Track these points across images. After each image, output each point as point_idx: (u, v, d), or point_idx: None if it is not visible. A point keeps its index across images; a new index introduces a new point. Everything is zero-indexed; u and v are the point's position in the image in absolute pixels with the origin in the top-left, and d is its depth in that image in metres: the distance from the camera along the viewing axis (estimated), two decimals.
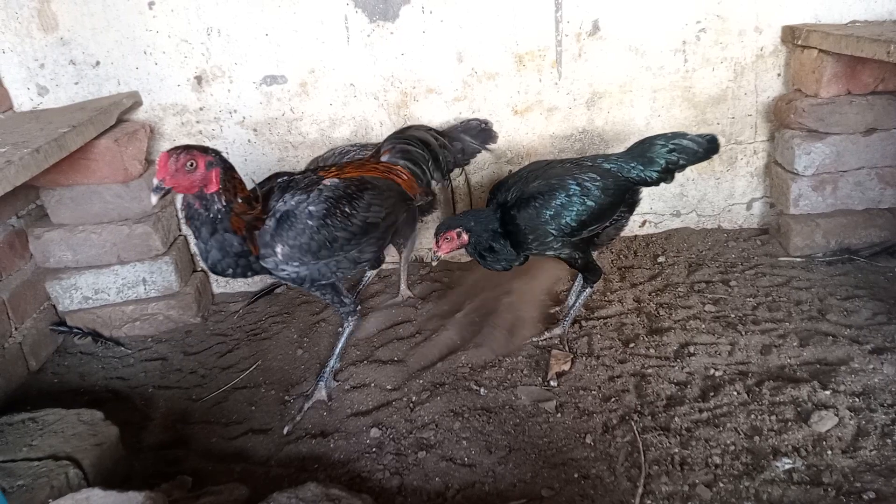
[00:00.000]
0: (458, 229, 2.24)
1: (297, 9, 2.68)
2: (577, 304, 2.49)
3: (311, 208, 2.00)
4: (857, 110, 2.71)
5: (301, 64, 2.77)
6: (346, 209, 2.07)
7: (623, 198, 2.33)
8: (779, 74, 2.93)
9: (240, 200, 1.92)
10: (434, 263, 2.49)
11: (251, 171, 2.92)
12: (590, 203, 2.24)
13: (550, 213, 2.21)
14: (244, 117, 2.84)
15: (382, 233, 2.24)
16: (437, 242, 2.25)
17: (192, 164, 1.82)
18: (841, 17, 2.80)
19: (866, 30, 2.53)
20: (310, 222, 1.99)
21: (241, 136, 2.87)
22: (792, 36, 2.78)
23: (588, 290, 2.46)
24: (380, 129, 2.90)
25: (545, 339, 2.47)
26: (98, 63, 2.69)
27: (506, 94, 2.89)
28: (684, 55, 2.87)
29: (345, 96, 2.84)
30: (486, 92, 2.88)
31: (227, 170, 1.90)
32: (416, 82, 2.84)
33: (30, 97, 2.70)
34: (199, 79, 2.75)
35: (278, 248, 1.98)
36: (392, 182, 2.29)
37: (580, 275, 2.66)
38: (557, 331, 2.48)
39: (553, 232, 2.23)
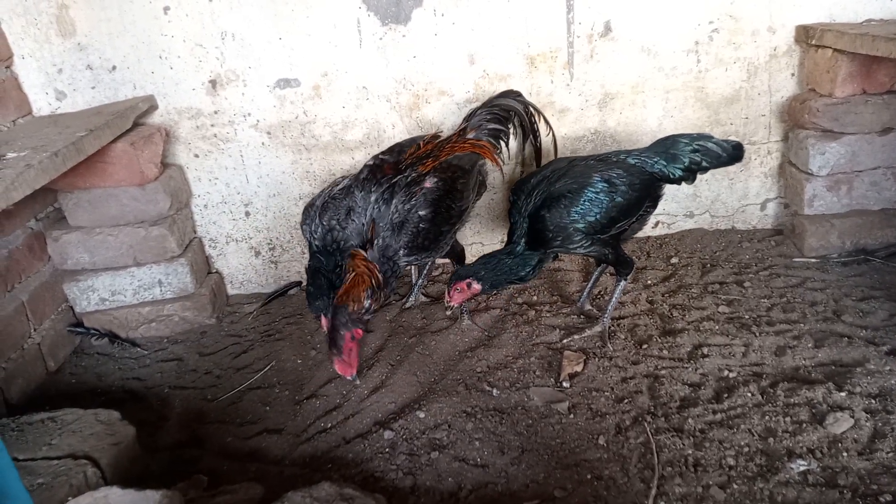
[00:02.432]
0: (468, 279, 2.26)
1: (310, 13, 2.71)
2: (614, 299, 2.47)
3: (420, 213, 2.22)
4: (873, 110, 2.68)
5: (314, 67, 2.80)
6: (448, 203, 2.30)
7: (649, 192, 2.33)
8: (792, 74, 2.91)
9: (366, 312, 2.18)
10: (448, 312, 2.54)
11: (264, 174, 2.95)
12: (618, 199, 2.24)
13: (579, 212, 2.21)
14: (258, 120, 2.86)
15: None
16: (448, 292, 2.27)
17: (350, 349, 2.14)
18: (856, 16, 2.78)
19: (882, 28, 2.51)
20: (422, 225, 2.23)
21: (254, 139, 2.89)
22: (806, 35, 2.76)
23: (622, 282, 2.45)
24: (392, 131, 2.91)
25: (584, 338, 2.46)
26: (114, 68, 2.73)
27: None
28: (697, 55, 2.86)
29: (357, 99, 2.86)
30: None
31: (354, 322, 2.15)
32: (428, 84, 2.86)
33: (48, 102, 2.74)
34: (213, 83, 2.78)
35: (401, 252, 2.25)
36: (476, 153, 2.48)
37: (596, 272, 2.67)
38: (598, 328, 2.48)
39: (582, 230, 2.23)
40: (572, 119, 2.95)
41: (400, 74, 2.83)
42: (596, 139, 2.99)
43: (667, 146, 2.35)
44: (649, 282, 2.82)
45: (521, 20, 2.77)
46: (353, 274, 2.20)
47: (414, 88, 2.86)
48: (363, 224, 2.23)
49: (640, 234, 3.13)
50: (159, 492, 1.60)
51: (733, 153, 2.32)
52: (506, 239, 2.41)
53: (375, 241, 2.20)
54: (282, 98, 2.83)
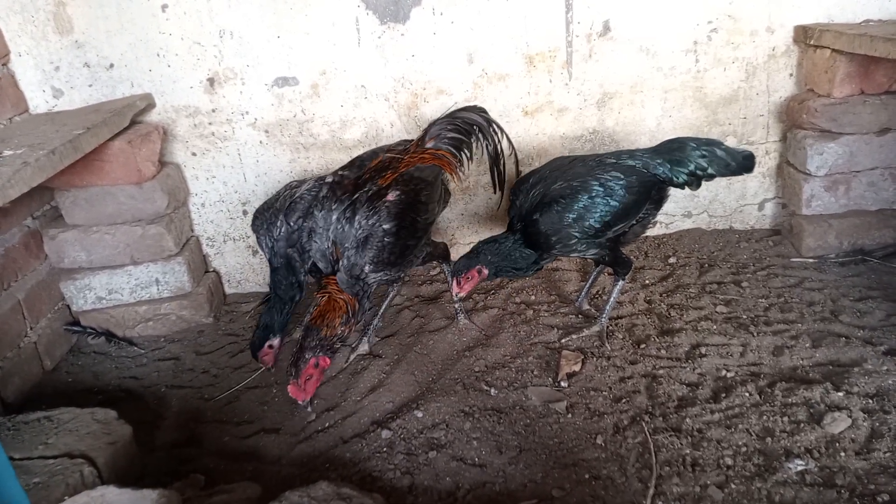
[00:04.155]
0: (477, 267, 2.28)
1: (308, 11, 2.70)
2: (612, 299, 2.46)
3: (384, 226, 2.16)
4: (871, 110, 2.69)
5: (312, 66, 2.79)
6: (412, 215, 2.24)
7: (648, 195, 2.29)
8: (791, 74, 2.91)
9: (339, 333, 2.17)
10: (457, 305, 2.58)
11: (262, 172, 2.94)
12: (614, 203, 2.21)
13: (573, 217, 2.19)
14: (256, 119, 2.86)
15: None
16: (457, 283, 2.28)
17: (310, 376, 2.12)
18: (854, 17, 2.78)
19: (880, 29, 2.51)
20: (386, 239, 2.16)
21: (252, 138, 2.88)
22: (804, 36, 2.77)
23: (620, 282, 2.43)
24: (390, 130, 2.91)
25: (582, 338, 2.46)
26: (112, 65, 2.72)
27: (516, 96, 2.89)
28: (696, 55, 2.86)
29: (356, 98, 2.85)
30: (497, 93, 2.88)
31: (323, 349, 2.14)
32: (427, 84, 2.85)
33: (45, 99, 2.73)
34: (211, 81, 2.77)
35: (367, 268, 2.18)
36: (437, 166, 2.41)
37: (594, 272, 2.66)
38: (595, 328, 2.47)
39: (577, 235, 2.21)
40: (571, 118, 2.95)
41: (398, 73, 2.83)
42: (594, 139, 2.99)
43: (672, 149, 2.30)
44: (647, 281, 2.82)
45: (520, 19, 2.77)
46: (327, 297, 2.14)
47: (412, 87, 2.85)
48: (326, 247, 2.16)
49: None
50: (156, 491, 1.59)
51: (743, 163, 2.24)
52: None
53: (341, 262, 2.14)
54: (280, 96, 2.83)
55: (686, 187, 2.32)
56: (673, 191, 2.94)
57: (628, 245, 2.57)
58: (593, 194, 2.21)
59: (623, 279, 2.43)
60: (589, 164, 2.31)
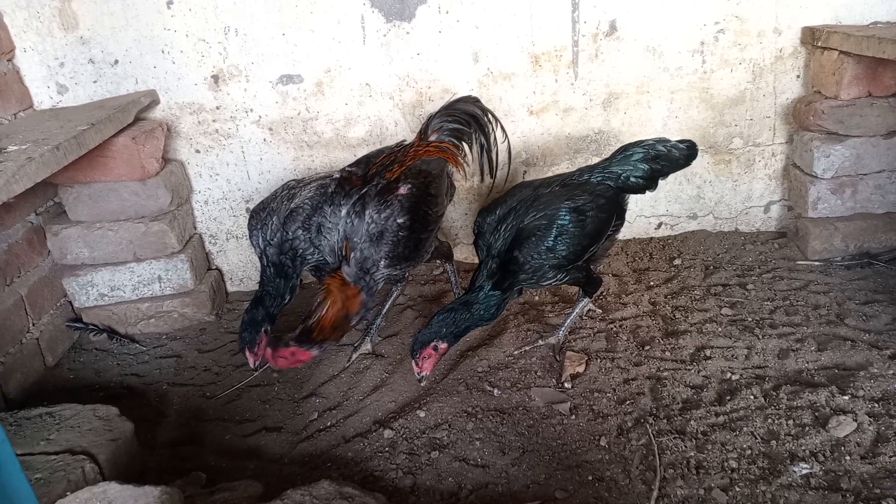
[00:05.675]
0: (432, 343, 2.07)
1: (313, 9, 2.69)
2: (574, 315, 2.43)
3: (399, 220, 2.14)
4: (879, 112, 2.67)
5: (317, 63, 2.78)
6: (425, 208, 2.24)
7: (616, 208, 2.28)
8: (798, 76, 2.90)
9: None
10: (423, 384, 2.24)
11: (266, 170, 2.94)
12: (588, 226, 2.17)
13: (552, 248, 2.12)
14: (260, 116, 2.85)
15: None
16: (416, 364, 2.09)
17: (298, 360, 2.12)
18: (862, 19, 2.77)
19: (888, 31, 2.49)
20: (401, 233, 2.15)
21: (256, 136, 2.88)
22: (812, 37, 2.75)
23: (586, 300, 2.39)
24: (395, 128, 2.90)
25: (536, 348, 2.42)
26: (117, 62, 2.72)
27: (521, 95, 2.88)
28: (702, 56, 2.85)
29: (360, 96, 2.85)
30: (502, 92, 2.87)
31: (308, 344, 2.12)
32: (432, 82, 2.84)
33: (49, 95, 2.73)
34: (215, 78, 2.77)
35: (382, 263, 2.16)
36: (443, 159, 2.42)
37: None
38: (552, 340, 2.43)
39: (556, 265, 2.15)
40: (576, 118, 2.94)
41: (403, 72, 2.82)
42: (600, 139, 2.98)
43: (626, 156, 2.29)
44: (652, 283, 2.81)
45: (525, 18, 2.76)
46: (327, 300, 2.11)
47: (417, 86, 2.85)
48: (336, 241, 2.14)
49: (643, 236, 3.15)
50: (158, 488, 1.59)
51: (688, 153, 2.29)
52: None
53: (352, 256, 2.12)
54: (284, 94, 2.82)
55: (645, 191, 2.31)
56: (679, 191, 2.96)
57: (599, 261, 2.51)
58: (567, 222, 2.14)
59: (590, 297, 2.38)
60: (555, 190, 2.23)
